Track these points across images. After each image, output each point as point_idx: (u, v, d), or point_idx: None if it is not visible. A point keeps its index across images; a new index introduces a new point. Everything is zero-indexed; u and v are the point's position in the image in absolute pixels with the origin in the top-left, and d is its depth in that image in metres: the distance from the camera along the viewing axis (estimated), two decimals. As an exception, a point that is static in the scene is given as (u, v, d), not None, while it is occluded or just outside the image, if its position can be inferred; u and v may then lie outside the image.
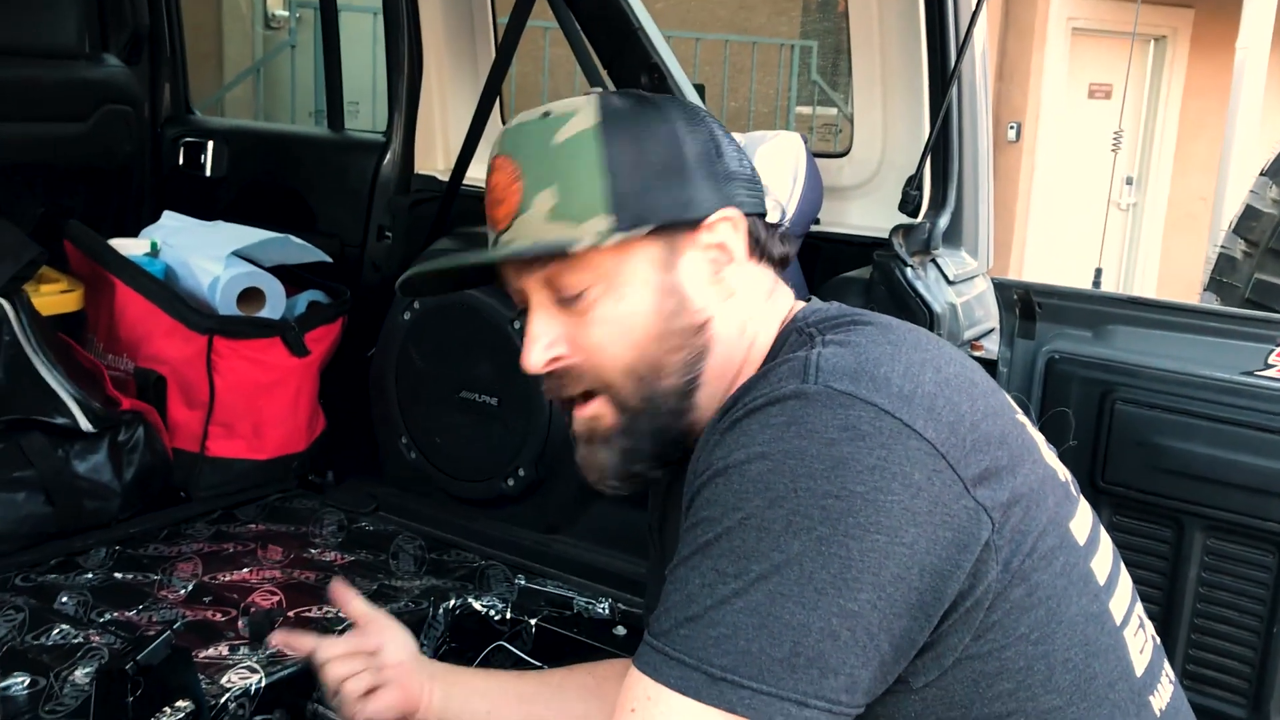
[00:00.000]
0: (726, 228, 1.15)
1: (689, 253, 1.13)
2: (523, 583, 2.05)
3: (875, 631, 0.94)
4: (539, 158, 1.12)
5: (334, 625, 1.85)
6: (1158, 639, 1.19)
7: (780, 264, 1.22)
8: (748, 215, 1.16)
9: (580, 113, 1.12)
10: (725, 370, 1.15)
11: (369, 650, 1.41)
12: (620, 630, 1.95)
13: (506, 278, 1.16)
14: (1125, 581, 1.16)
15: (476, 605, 1.96)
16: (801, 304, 1.21)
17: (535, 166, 1.11)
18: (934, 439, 0.97)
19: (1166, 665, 1.17)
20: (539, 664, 1.88)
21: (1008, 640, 1.01)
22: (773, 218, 1.21)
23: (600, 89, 1.35)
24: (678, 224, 1.12)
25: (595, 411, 1.15)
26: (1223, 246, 4.95)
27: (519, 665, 1.89)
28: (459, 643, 1.94)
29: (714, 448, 1.01)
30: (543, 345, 1.13)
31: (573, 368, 1.13)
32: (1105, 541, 1.16)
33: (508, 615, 1.95)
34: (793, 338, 1.14)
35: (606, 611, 1.98)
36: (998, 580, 0.99)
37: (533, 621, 1.94)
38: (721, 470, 0.98)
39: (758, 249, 1.18)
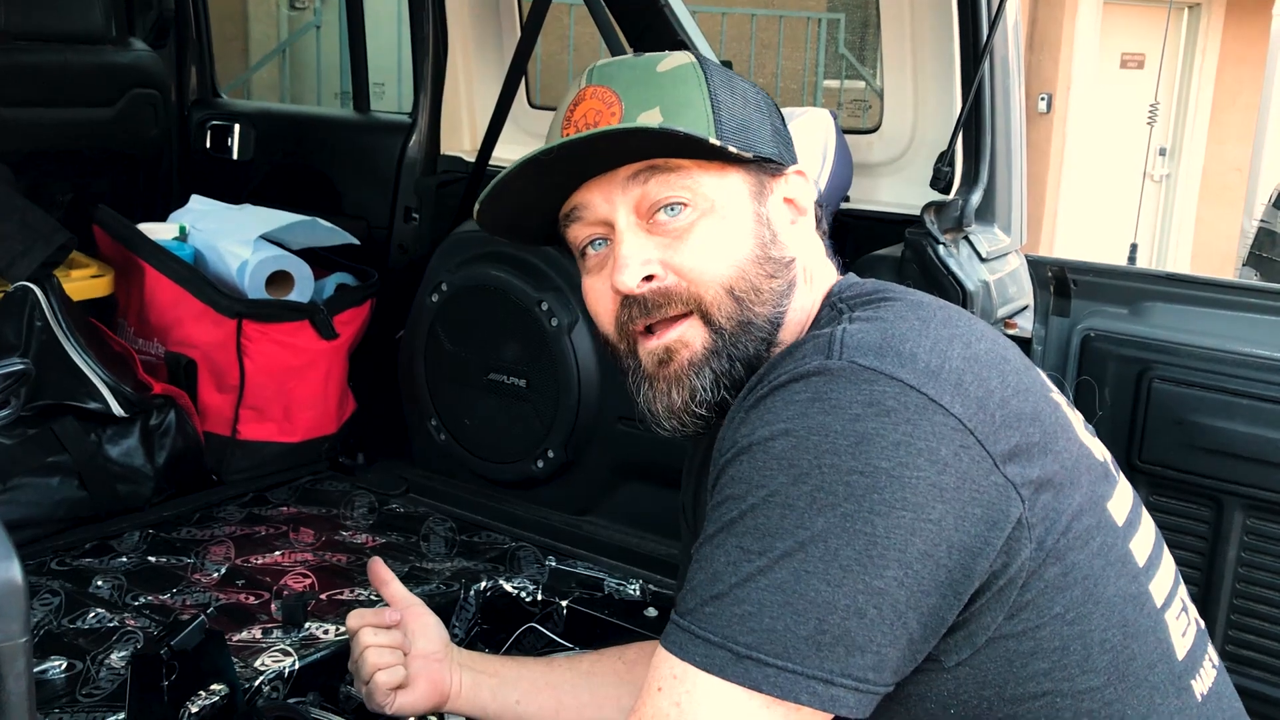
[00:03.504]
0: (799, 182, 1.18)
1: (773, 195, 1.16)
2: (553, 564, 2.05)
3: (903, 609, 0.93)
4: (641, 83, 1.12)
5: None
6: (1201, 623, 1.17)
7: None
8: None
9: (675, 53, 1.15)
10: (800, 315, 1.15)
11: (403, 645, 1.41)
12: (651, 611, 1.94)
13: (589, 205, 1.14)
14: (1167, 563, 1.14)
15: (508, 587, 1.96)
16: (839, 278, 1.20)
17: (637, 91, 1.11)
18: (961, 414, 0.96)
19: (1210, 649, 1.16)
20: (570, 645, 1.88)
21: (1042, 620, 1.00)
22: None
23: None
24: (768, 163, 1.15)
25: (683, 333, 1.12)
26: (1262, 220, 4.89)
27: (550, 647, 1.89)
28: (490, 624, 1.94)
29: (739, 425, 1.01)
30: (637, 263, 1.11)
31: (668, 289, 1.11)
32: (1146, 523, 1.14)
33: (539, 597, 1.95)
34: (825, 312, 1.14)
35: (637, 593, 1.98)
36: (1031, 559, 0.98)
37: (564, 603, 1.94)
38: (745, 447, 0.98)
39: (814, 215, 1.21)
